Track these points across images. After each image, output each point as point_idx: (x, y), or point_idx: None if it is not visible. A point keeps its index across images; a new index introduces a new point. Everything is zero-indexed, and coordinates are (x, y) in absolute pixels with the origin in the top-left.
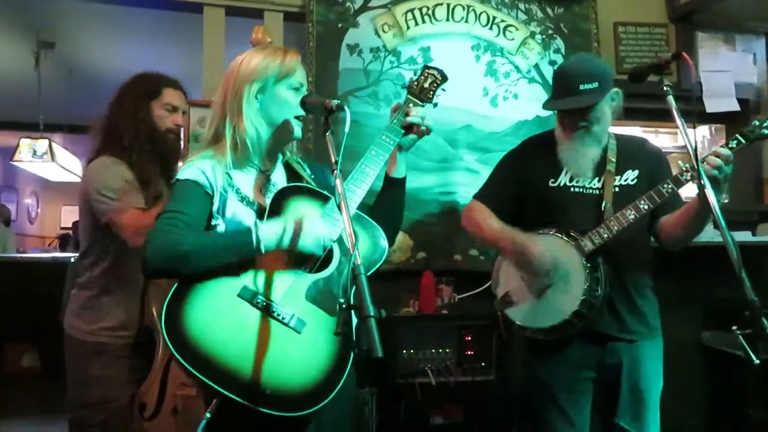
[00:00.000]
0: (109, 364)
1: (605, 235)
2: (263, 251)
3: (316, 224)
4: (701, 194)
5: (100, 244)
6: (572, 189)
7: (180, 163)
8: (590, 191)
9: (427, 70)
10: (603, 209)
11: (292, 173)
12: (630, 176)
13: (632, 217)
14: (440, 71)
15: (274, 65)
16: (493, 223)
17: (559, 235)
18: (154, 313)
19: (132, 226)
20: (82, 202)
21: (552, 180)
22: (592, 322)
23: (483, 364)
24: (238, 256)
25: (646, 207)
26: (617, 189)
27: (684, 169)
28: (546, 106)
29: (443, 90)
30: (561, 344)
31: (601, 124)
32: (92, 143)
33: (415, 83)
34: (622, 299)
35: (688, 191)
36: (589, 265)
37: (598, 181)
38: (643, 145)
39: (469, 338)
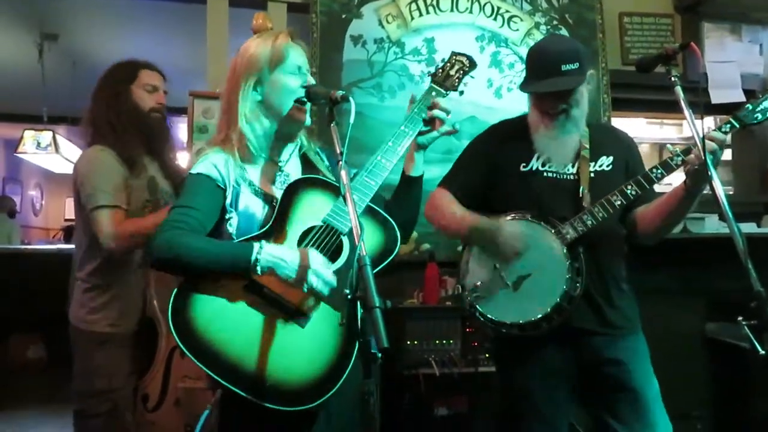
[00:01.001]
0: (113, 353)
1: (589, 222)
2: (259, 272)
3: (321, 268)
4: (689, 181)
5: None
6: (545, 174)
7: (180, 154)
8: (565, 176)
9: (454, 57)
10: (581, 195)
11: (308, 164)
12: (605, 162)
13: (619, 203)
14: (469, 57)
15: (264, 54)
16: (456, 209)
17: (536, 221)
18: (156, 306)
19: (112, 226)
20: (75, 193)
21: (523, 164)
22: (569, 317)
23: (487, 355)
24: (234, 268)
25: (633, 192)
26: (593, 175)
27: (674, 153)
28: (526, 88)
29: (472, 77)
30: (536, 344)
31: (580, 107)
32: (84, 136)
33: (440, 70)
34: (600, 291)
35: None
36: (570, 254)
37: (573, 166)
38: (615, 132)
39: (473, 330)
